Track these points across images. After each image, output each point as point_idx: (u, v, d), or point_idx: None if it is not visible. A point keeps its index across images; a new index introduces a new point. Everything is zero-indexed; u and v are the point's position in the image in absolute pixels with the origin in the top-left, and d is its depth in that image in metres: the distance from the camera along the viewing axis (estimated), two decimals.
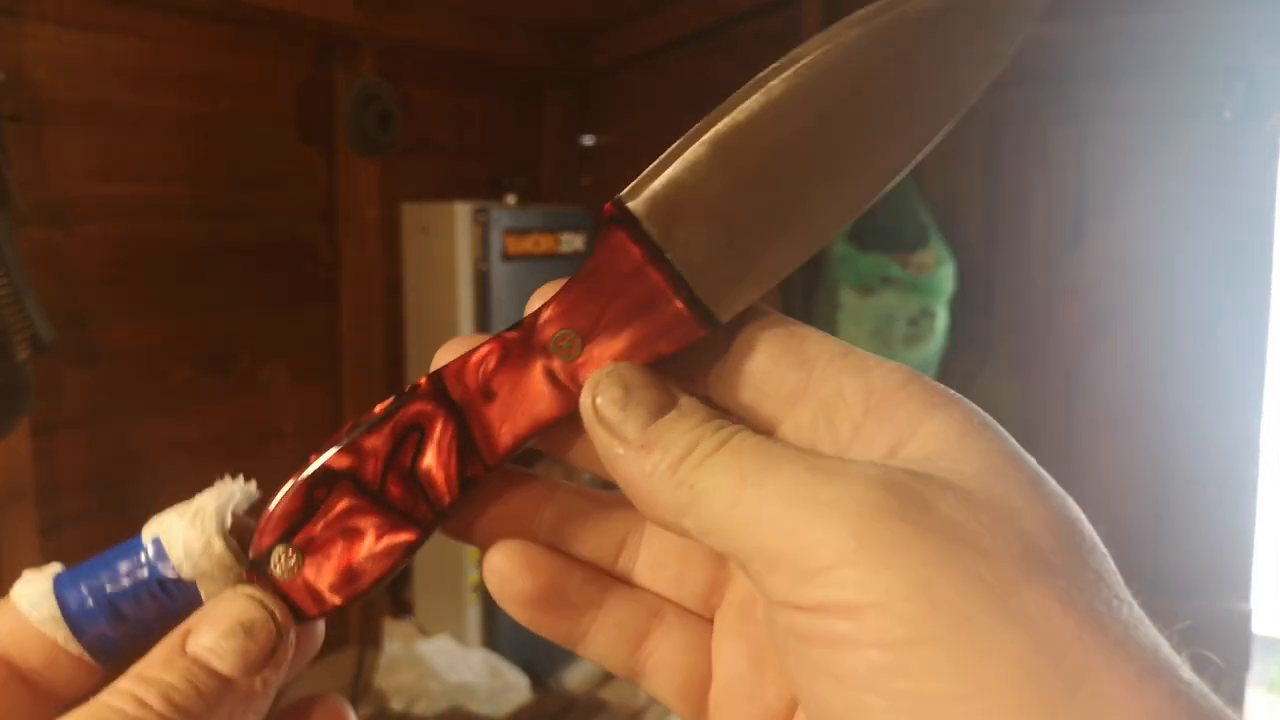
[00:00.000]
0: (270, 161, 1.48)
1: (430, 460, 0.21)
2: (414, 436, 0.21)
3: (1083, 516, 0.19)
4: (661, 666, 0.22)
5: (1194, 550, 1.70)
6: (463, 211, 1.38)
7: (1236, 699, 1.67)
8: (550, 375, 0.21)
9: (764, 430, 0.20)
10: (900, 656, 0.16)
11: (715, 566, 0.23)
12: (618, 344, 0.21)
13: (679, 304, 0.21)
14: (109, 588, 0.19)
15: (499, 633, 1.45)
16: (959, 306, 1.74)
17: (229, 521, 0.20)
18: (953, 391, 0.20)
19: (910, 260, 1.71)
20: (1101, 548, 0.18)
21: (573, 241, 1.61)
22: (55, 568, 0.19)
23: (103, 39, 1.23)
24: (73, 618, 0.18)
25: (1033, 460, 0.19)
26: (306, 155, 1.54)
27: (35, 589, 0.18)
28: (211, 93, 1.38)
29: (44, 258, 1.18)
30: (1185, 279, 1.67)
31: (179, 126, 1.34)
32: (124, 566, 0.19)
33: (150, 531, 0.20)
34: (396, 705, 1.35)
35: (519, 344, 0.21)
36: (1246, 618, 1.66)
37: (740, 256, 0.22)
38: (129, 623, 0.19)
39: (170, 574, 0.19)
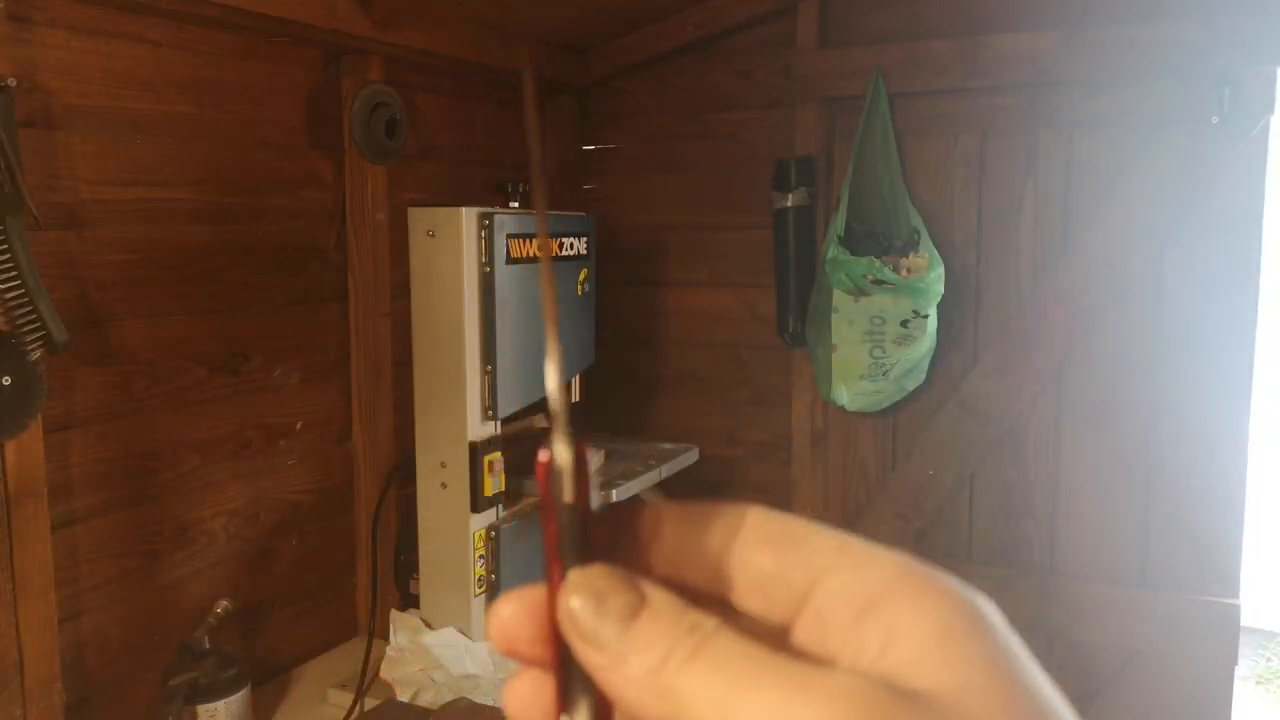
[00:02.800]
0: (280, 166, 1.51)
1: None
2: None
3: (1064, 713, 0.19)
4: None
5: (1182, 546, 1.72)
6: (468, 216, 1.41)
7: (1224, 692, 1.70)
8: None
9: (776, 635, 0.21)
10: None
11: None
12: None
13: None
14: None
15: None
16: (949, 308, 1.77)
17: None
18: (945, 582, 0.20)
19: (901, 263, 1.74)
20: None
21: (574, 245, 1.64)
22: None
23: (114, 45, 1.25)
24: None
25: (1018, 657, 0.19)
26: (316, 160, 1.57)
27: None
28: (222, 99, 1.40)
29: (57, 260, 1.20)
30: (1172, 281, 1.70)
31: (190, 132, 1.36)
32: None
33: None
34: (403, 696, 1.37)
35: None
36: (1235, 612, 1.69)
37: None
38: None
39: None
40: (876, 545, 0.21)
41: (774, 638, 0.21)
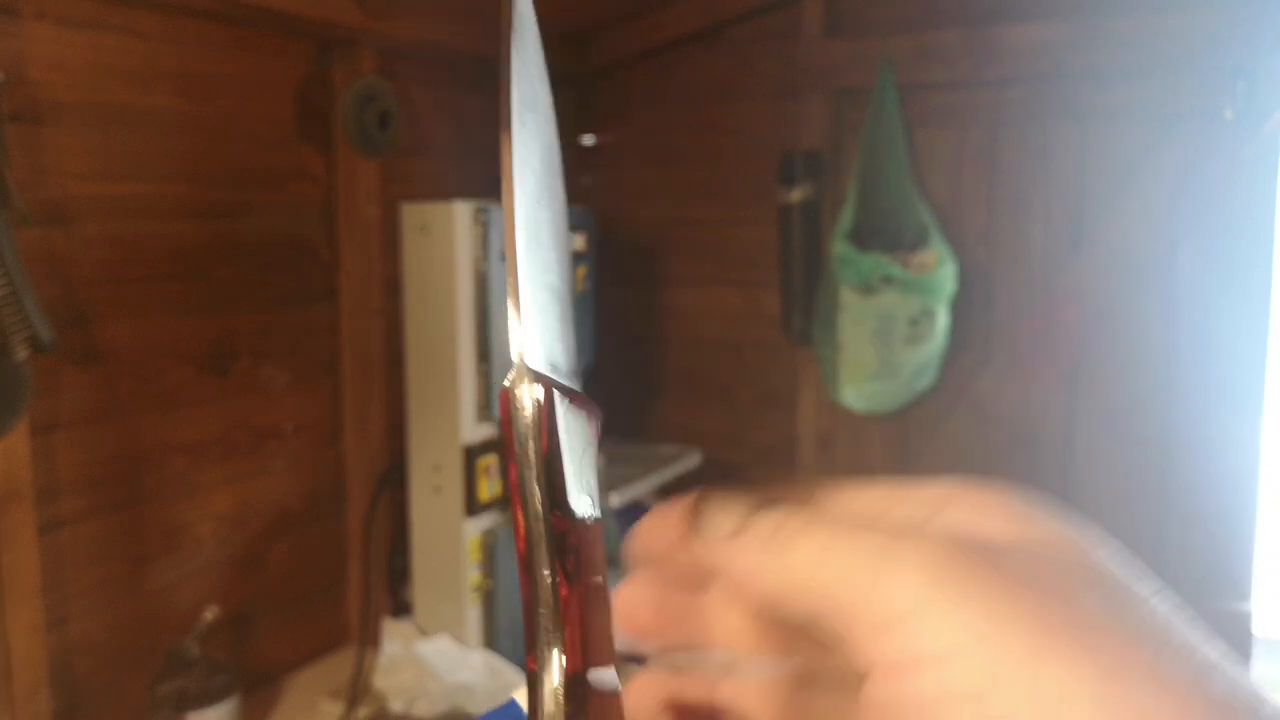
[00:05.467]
0: (270, 161, 1.48)
1: None
2: None
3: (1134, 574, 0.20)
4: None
5: (1194, 552, 1.70)
6: (462, 211, 1.38)
7: None
8: None
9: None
10: (983, 708, 0.17)
11: None
12: None
13: None
14: None
15: (498, 633, 1.44)
16: (959, 306, 1.74)
17: None
18: (999, 486, 0.21)
19: (911, 260, 1.71)
20: (1166, 605, 0.19)
21: (574, 241, 1.61)
22: None
23: (102, 39, 1.23)
24: None
25: (1070, 523, 0.20)
26: (306, 155, 1.54)
27: None
28: (211, 92, 1.38)
29: (43, 257, 1.18)
30: (1185, 279, 1.67)
31: (179, 126, 1.34)
32: None
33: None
34: (396, 705, 1.35)
35: None
36: (1247, 619, 1.66)
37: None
38: None
39: None
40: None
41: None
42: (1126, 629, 0.17)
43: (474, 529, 1.43)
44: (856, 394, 1.76)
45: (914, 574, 0.18)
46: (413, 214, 1.41)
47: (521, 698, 0.21)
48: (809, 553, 0.20)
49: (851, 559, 0.19)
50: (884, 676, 0.18)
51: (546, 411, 0.20)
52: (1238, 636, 1.66)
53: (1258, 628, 1.68)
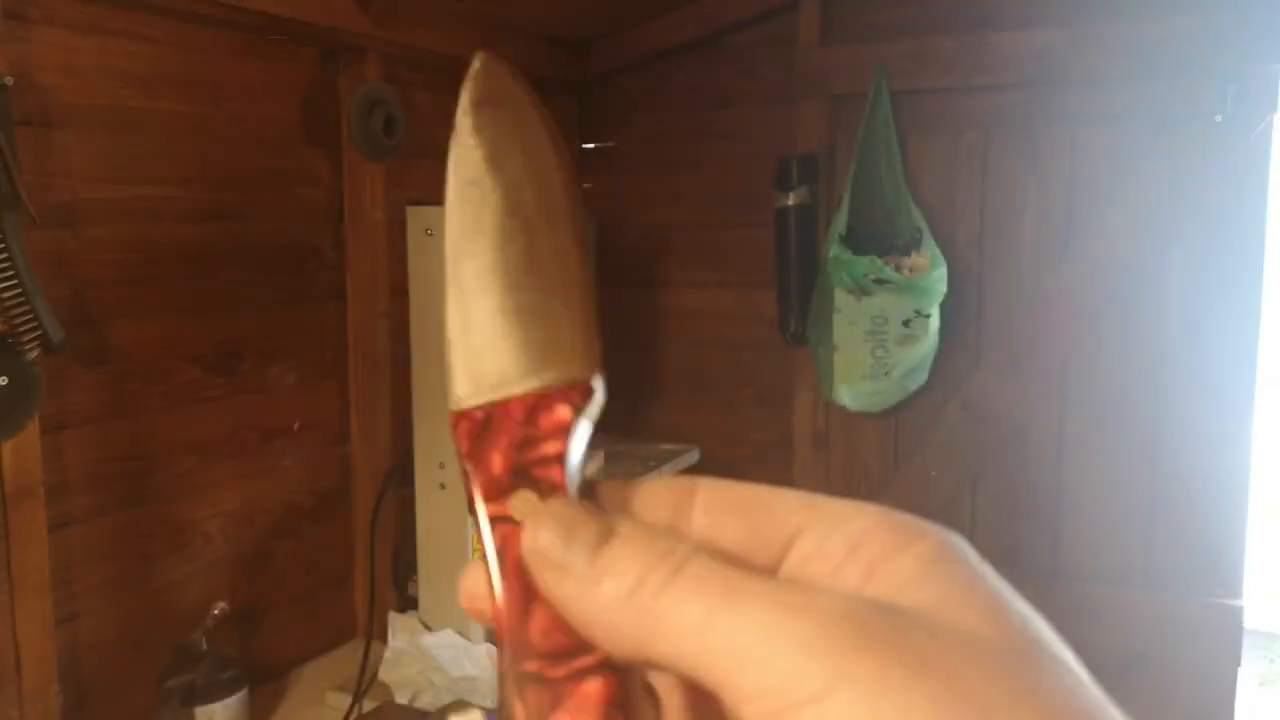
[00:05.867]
0: (277, 165, 1.50)
1: None
2: None
3: (1046, 633, 0.19)
4: None
5: (1186, 547, 1.72)
6: None
7: (1227, 694, 1.69)
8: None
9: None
10: None
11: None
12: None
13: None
14: None
15: None
16: (952, 307, 1.76)
17: None
18: (923, 524, 0.20)
19: (903, 263, 1.73)
20: (1069, 660, 0.19)
21: None
22: (478, 713, 0.21)
23: (110, 44, 1.25)
24: None
25: (996, 583, 0.19)
26: (312, 159, 1.56)
27: None
28: (218, 97, 1.39)
29: (53, 259, 1.19)
30: (1176, 281, 1.69)
31: (187, 130, 1.35)
32: None
33: None
34: (401, 699, 1.36)
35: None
36: (1238, 613, 1.68)
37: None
38: None
39: None
40: (843, 499, 0.21)
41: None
42: (1033, 709, 0.17)
43: None
44: (851, 393, 1.78)
45: (818, 662, 0.17)
46: (418, 217, 1.43)
47: None
48: (691, 621, 0.18)
49: (745, 635, 0.18)
50: None
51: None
52: (1229, 631, 1.68)
53: (1248, 621, 1.70)
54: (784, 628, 0.17)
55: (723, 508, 0.21)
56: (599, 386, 0.23)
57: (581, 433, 0.22)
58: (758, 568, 0.20)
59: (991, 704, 0.17)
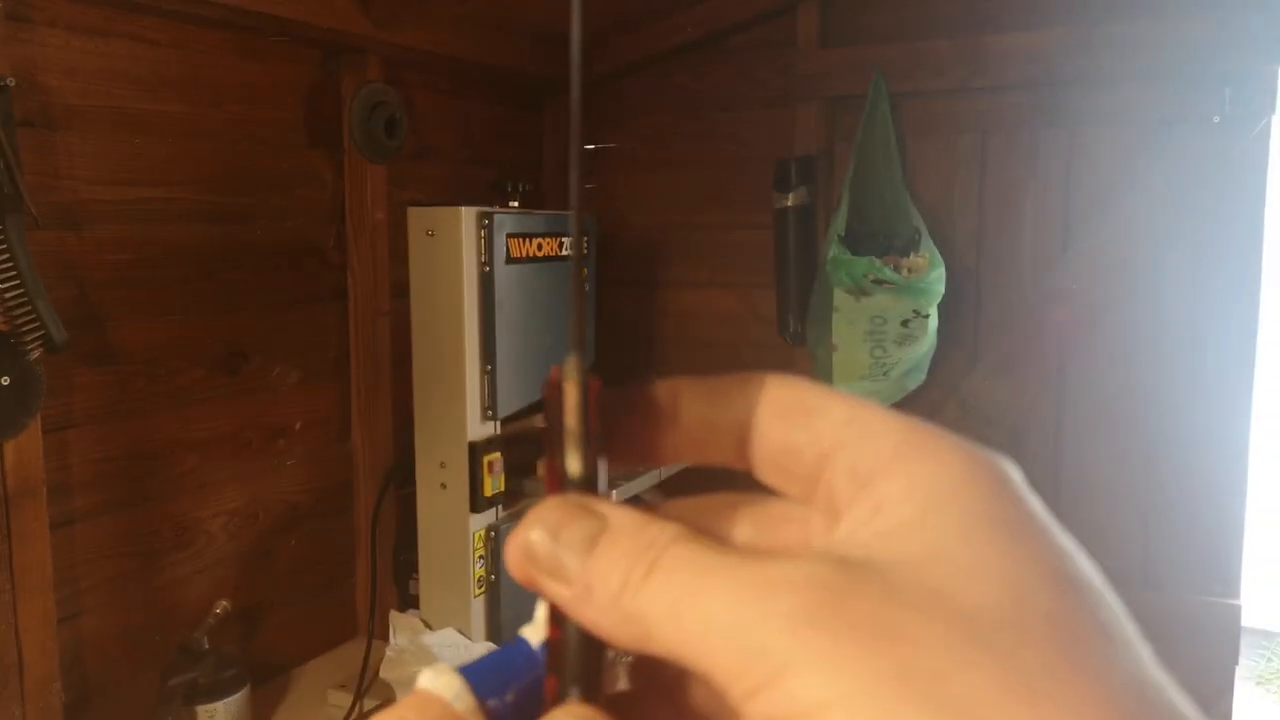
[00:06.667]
0: (279, 166, 1.51)
1: None
2: None
3: (1074, 573, 0.18)
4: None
5: (1184, 546, 1.72)
6: (467, 215, 1.40)
7: (1225, 692, 1.69)
8: None
9: (795, 517, 0.21)
10: None
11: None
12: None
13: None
14: (509, 681, 0.21)
15: (502, 626, 1.47)
16: (950, 308, 1.76)
17: None
18: (954, 444, 0.19)
19: (902, 263, 1.74)
20: (1092, 602, 0.17)
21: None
22: (448, 666, 0.21)
23: (112, 45, 1.25)
24: (486, 708, 0.20)
25: (1019, 520, 0.18)
26: (314, 160, 1.57)
27: (451, 682, 0.20)
28: (220, 98, 1.40)
29: (56, 260, 1.20)
30: (1174, 281, 1.69)
31: (189, 131, 1.36)
32: (516, 664, 0.21)
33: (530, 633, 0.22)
34: (402, 697, 1.37)
35: None
36: (1236, 612, 1.69)
37: None
38: (522, 714, 0.21)
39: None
40: (891, 413, 0.20)
41: (793, 522, 0.21)
42: (992, 676, 0.16)
43: (479, 524, 1.46)
44: (850, 392, 1.78)
45: (764, 632, 0.17)
46: (419, 218, 1.43)
47: (529, 634, 0.21)
48: (665, 618, 0.18)
49: (706, 618, 0.17)
50: None
51: (590, 403, 0.20)
52: (1227, 630, 1.69)
53: (1246, 620, 1.70)
54: (745, 606, 0.17)
55: (777, 411, 0.21)
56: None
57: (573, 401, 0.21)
58: (799, 478, 0.20)
59: (945, 673, 0.16)
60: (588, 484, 0.20)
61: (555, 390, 0.20)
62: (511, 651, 0.22)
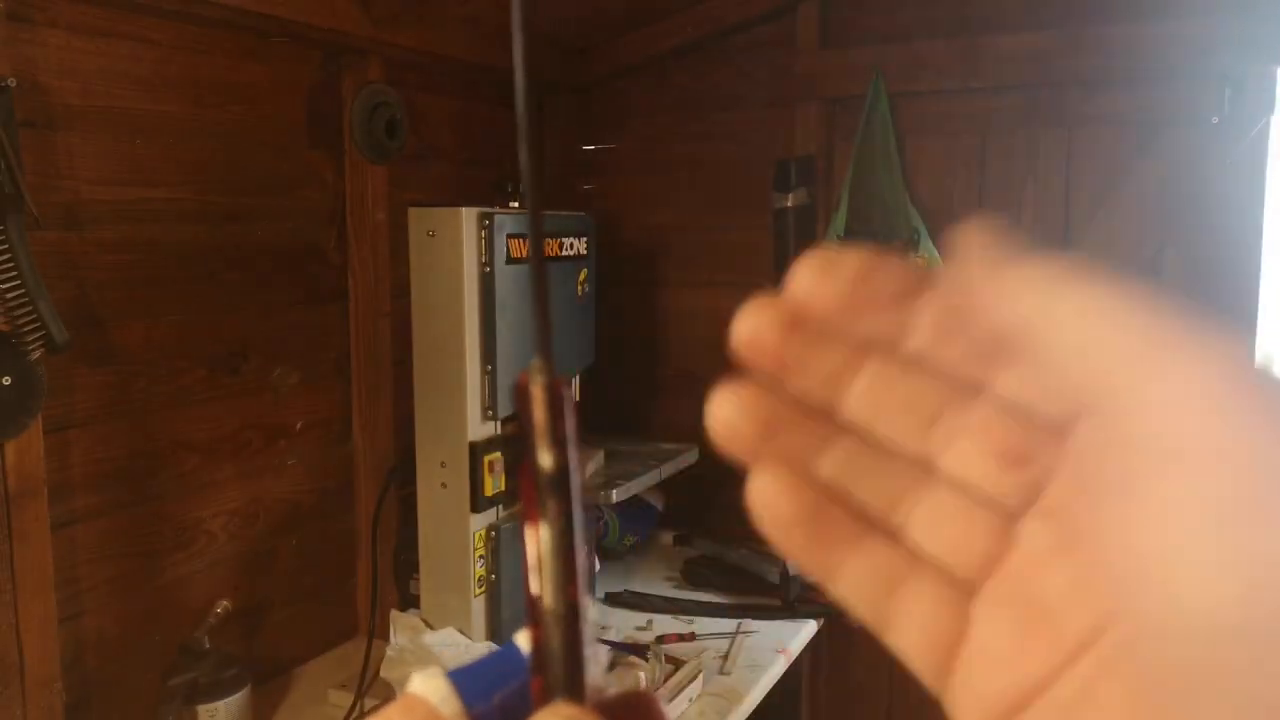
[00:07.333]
0: (280, 167, 1.51)
1: None
2: None
3: None
4: (912, 616, 0.22)
5: None
6: (468, 216, 1.40)
7: None
8: None
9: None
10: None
11: (997, 538, 0.21)
12: None
13: None
14: (496, 685, 0.21)
15: (502, 625, 1.47)
16: None
17: None
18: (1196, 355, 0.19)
19: None
20: None
21: (574, 245, 1.64)
22: (438, 670, 0.22)
23: (114, 45, 1.25)
24: (472, 712, 0.21)
25: None
26: (315, 161, 1.57)
27: (439, 686, 0.21)
28: (222, 99, 1.40)
29: (57, 260, 1.20)
30: (1172, 281, 1.70)
31: (190, 132, 1.36)
32: (506, 668, 0.22)
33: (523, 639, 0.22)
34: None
35: None
36: None
37: None
38: (509, 717, 0.21)
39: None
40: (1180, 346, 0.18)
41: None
42: None
43: (479, 523, 1.46)
44: None
45: (1194, 385, 0.17)
46: (420, 219, 1.44)
47: (522, 640, 0.22)
48: (1096, 319, 0.19)
49: (1137, 343, 0.18)
50: (1120, 451, 0.17)
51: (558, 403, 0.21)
52: None
53: None
54: (1177, 346, 0.18)
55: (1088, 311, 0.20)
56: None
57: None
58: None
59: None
60: (560, 477, 0.21)
61: (524, 392, 0.21)
62: (503, 655, 0.22)
